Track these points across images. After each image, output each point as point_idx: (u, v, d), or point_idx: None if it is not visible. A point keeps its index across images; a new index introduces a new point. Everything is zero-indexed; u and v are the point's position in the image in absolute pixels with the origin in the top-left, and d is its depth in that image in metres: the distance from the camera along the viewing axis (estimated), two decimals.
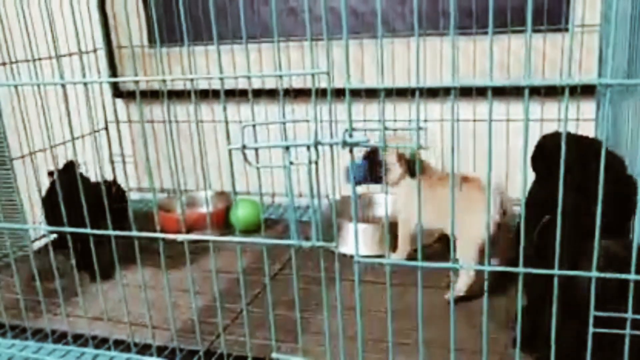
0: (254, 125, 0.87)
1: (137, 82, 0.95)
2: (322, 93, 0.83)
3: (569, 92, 0.76)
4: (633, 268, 0.79)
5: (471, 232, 1.27)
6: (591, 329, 0.82)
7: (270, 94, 1.87)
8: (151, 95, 1.90)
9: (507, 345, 1.14)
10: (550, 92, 1.68)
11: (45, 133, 1.17)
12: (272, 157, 0.91)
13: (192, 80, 0.88)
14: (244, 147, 0.85)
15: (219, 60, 0.88)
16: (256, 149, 0.87)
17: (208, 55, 1.96)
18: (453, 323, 0.87)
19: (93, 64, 2.07)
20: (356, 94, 1.72)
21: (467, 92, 1.70)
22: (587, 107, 1.70)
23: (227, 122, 0.91)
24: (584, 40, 1.67)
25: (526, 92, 0.77)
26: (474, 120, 1.75)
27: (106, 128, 2.15)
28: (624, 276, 0.80)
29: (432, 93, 1.73)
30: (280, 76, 0.86)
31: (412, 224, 1.51)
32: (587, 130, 1.68)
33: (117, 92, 2.13)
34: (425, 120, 1.76)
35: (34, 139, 1.43)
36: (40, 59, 1.53)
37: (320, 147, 0.83)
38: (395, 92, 1.69)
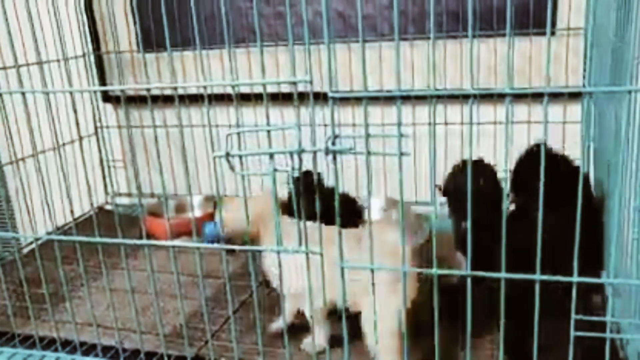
0: (238, 133, 0.87)
1: (122, 90, 0.95)
2: (307, 98, 0.84)
3: (553, 97, 0.77)
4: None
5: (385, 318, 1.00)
6: (572, 332, 0.83)
7: (258, 97, 1.87)
8: (140, 100, 1.90)
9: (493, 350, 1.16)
10: (537, 94, 1.69)
11: (32, 140, 1.16)
12: (260, 161, 0.92)
13: (175, 88, 0.89)
14: (227, 154, 0.85)
15: (202, 67, 0.88)
16: (240, 157, 0.88)
17: (197, 60, 1.96)
18: (436, 326, 0.88)
19: (82, 68, 2.07)
20: (343, 97, 1.72)
21: (454, 95, 1.70)
22: (575, 109, 1.71)
23: (211, 130, 0.92)
24: (570, 43, 1.68)
25: (507, 99, 0.78)
26: (462, 123, 1.76)
27: (96, 133, 2.16)
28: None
29: (420, 97, 1.74)
30: (264, 84, 0.86)
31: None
32: (574, 132, 1.69)
33: (107, 97, 2.13)
34: (414, 124, 1.77)
35: (22, 144, 1.43)
36: (27, 64, 1.53)
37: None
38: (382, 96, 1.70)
